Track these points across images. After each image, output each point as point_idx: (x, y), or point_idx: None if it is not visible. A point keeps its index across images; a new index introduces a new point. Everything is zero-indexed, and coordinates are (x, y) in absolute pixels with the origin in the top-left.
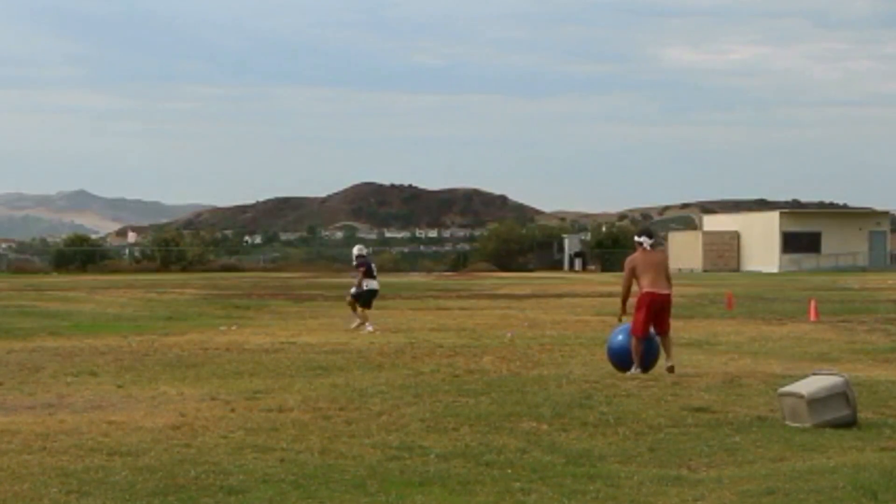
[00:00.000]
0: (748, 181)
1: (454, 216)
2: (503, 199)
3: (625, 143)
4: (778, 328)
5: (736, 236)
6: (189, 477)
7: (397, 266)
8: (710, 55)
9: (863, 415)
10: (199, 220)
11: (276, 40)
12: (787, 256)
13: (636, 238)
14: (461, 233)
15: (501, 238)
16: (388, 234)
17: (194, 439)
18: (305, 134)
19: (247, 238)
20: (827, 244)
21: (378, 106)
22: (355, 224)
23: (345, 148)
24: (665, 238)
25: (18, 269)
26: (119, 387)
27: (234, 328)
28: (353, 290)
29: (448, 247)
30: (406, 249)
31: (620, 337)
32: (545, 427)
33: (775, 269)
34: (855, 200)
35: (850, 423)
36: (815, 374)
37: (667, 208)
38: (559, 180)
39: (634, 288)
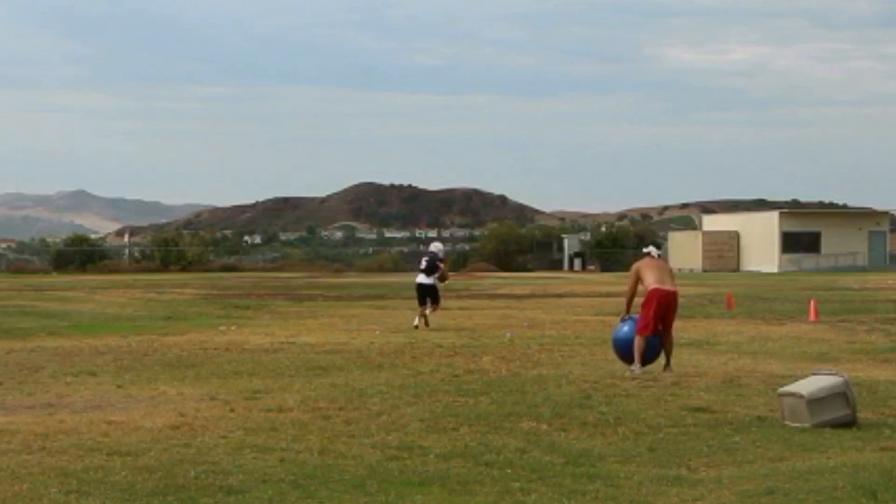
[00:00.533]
0: (748, 181)
1: (454, 216)
2: (503, 199)
3: (625, 143)
4: (777, 328)
5: (736, 236)
6: (188, 477)
7: (397, 266)
8: (710, 55)
9: (862, 415)
10: (198, 220)
11: (276, 40)
12: (787, 256)
13: (644, 249)
14: (461, 233)
15: (501, 238)
16: (387, 234)
17: (194, 439)
18: (305, 134)
19: (246, 238)
20: (826, 244)
21: (378, 106)
22: (355, 224)
23: (345, 148)
24: (665, 238)
25: (18, 268)
26: (119, 387)
27: (233, 328)
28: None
29: (448, 247)
30: (406, 249)
31: (626, 328)
32: (545, 427)
33: (775, 269)
34: (855, 200)
35: (849, 423)
36: (814, 374)
37: (667, 208)
38: (559, 180)
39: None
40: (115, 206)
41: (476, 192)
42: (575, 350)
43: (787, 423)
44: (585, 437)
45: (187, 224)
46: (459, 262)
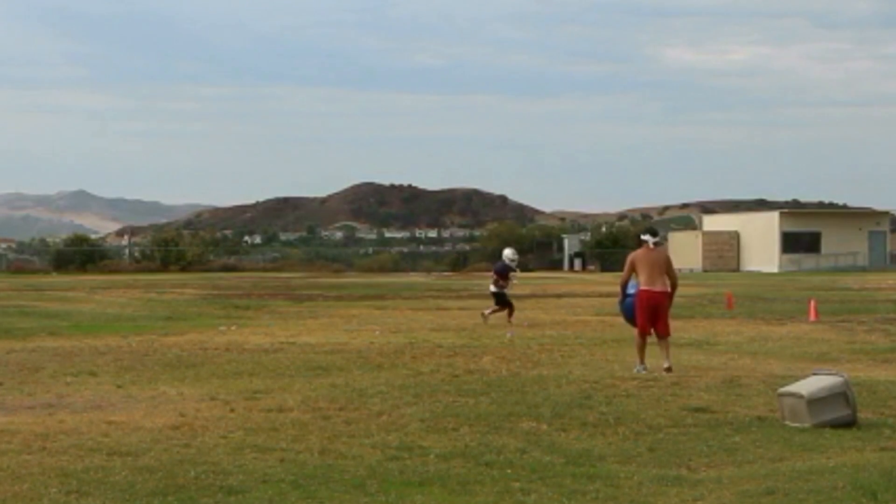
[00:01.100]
0: (748, 181)
1: (454, 216)
2: (503, 199)
3: (625, 143)
4: (778, 328)
5: (736, 236)
6: (189, 477)
7: (397, 266)
8: (710, 55)
9: (862, 415)
10: (198, 220)
11: (276, 40)
12: (787, 256)
13: (641, 236)
14: (461, 233)
15: (501, 238)
16: (387, 234)
17: (194, 439)
18: (305, 134)
19: (246, 238)
20: (827, 244)
21: (378, 106)
22: (355, 224)
23: (345, 148)
24: (665, 238)
25: (18, 269)
26: (119, 387)
27: (233, 328)
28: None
29: (448, 247)
30: (406, 249)
31: (631, 291)
32: (545, 427)
33: (775, 269)
34: (855, 200)
35: (849, 423)
36: (814, 374)
37: (667, 208)
38: (559, 180)
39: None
40: (115, 206)
41: (476, 192)
42: (575, 350)
43: (787, 423)
44: (585, 437)
45: (187, 224)
46: (459, 262)
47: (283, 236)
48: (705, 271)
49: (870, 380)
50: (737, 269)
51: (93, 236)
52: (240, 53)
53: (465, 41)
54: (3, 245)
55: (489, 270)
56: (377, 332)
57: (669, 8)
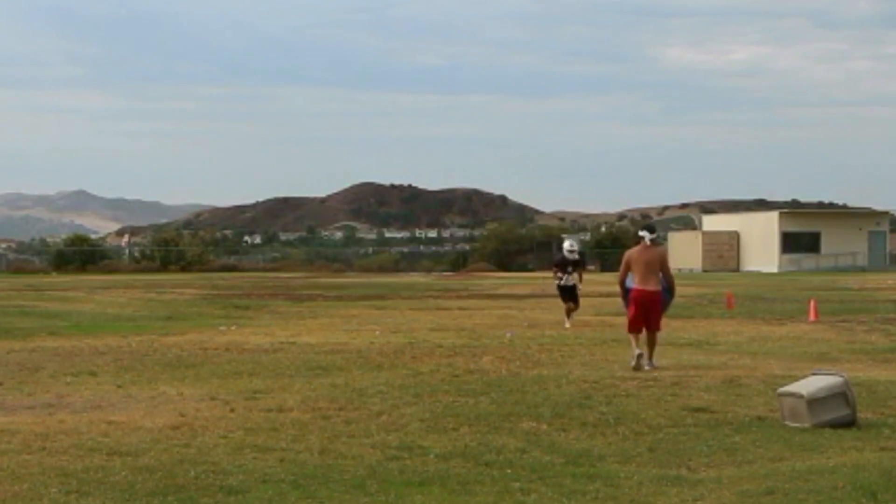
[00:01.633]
0: (748, 181)
1: (454, 216)
2: (503, 199)
3: (625, 143)
4: (777, 328)
5: (735, 236)
6: (188, 477)
7: (397, 266)
8: (710, 55)
9: (862, 415)
10: (198, 220)
11: (276, 40)
12: (787, 256)
13: (639, 232)
14: (461, 233)
15: (501, 238)
16: (387, 234)
17: (194, 439)
18: (305, 134)
19: (246, 238)
20: (826, 244)
21: (378, 106)
22: (355, 224)
23: (345, 148)
24: (665, 238)
25: (18, 269)
26: (119, 387)
27: (233, 328)
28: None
29: (448, 247)
30: (406, 249)
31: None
32: (545, 427)
33: (775, 270)
34: (854, 200)
35: (849, 423)
36: (814, 374)
37: (666, 208)
38: (559, 180)
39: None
40: (115, 206)
41: (476, 192)
42: (575, 350)
43: (787, 423)
44: (585, 437)
45: (187, 224)
46: (459, 262)
47: (282, 236)
48: (705, 271)
49: (870, 380)
50: (737, 270)
51: (93, 236)
52: (240, 53)
53: (465, 41)
54: (3, 245)
55: (489, 271)
56: (377, 332)
57: (669, 8)
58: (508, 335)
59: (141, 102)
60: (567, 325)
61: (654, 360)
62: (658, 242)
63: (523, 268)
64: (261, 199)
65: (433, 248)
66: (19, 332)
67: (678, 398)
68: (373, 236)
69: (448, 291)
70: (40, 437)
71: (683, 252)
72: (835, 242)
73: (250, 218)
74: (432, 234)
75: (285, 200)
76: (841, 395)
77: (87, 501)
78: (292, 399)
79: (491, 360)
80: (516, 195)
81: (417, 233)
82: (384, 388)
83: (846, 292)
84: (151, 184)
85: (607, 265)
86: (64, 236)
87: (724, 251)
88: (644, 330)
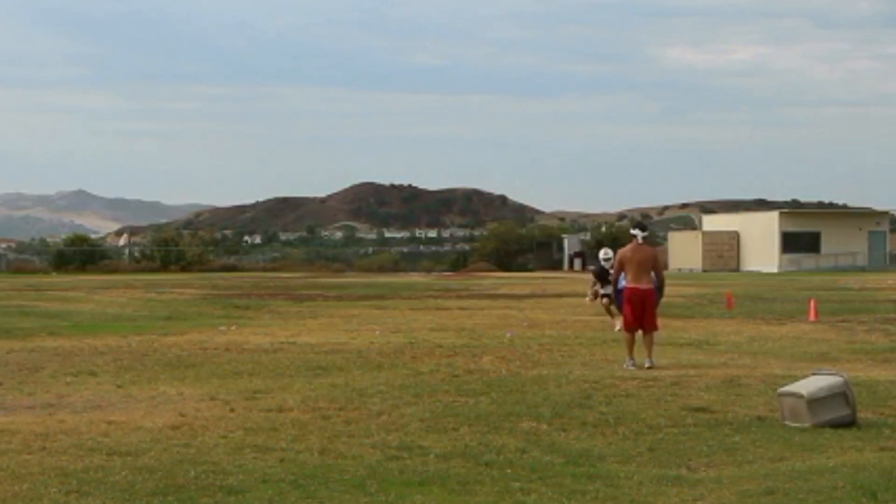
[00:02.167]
0: (748, 181)
1: (454, 216)
2: (503, 199)
3: (625, 143)
4: (778, 328)
5: (735, 236)
6: (188, 477)
7: (397, 266)
8: (710, 55)
9: (862, 415)
10: (198, 220)
11: (277, 40)
12: (787, 256)
13: (631, 230)
14: (461, 233)
15: (501, 238)
16: (387, 234)
17: (194, 439)
18: (305, 134)
19: (246, 238)
20: (826, 244)
21: (378, 106)
22: (355, 224)
23: (345, 148)
24: (665, 238)
25: (18, 269)
26: (119, 387)
27: (233, 328)
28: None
29: (448, 247)
30: (406, 249)
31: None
32: (545, 427)
33: (775, 269)
34: (855, 200)
35: (849, 423)
36: (814, 374)
37: (666, 208)
38: (559, 180)
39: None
40: (115, 206)
41: (476, 192)
42: (575, 350)
43: (787, 423)
44: (585, 437)
45: (187, 224)
46: (459, 262)
47: (282, 236)
48: (705, 271)
49: (869, 380)
50: (737, 269)
51: (93, 236)
52: (240, 53)
53: (465, 41)
54: (3, 245)
55: (489, 271)
56: (377, 332)
57: (670, 8)
58: (508, 335)
59: (141, 102)
60: (617, 327)
61: (654, 359)
62: (648, 239)
63: (523, 268)
64: (261, 199)
65: (433, 248)
66: (19, 332)
67: (678, 398)
68: (373, 236)
69: (448, 291)
70: (40, 437)
71: (683, 252)
72: (835, 242)
73: (250, 218)
74: (432, 234)
75: (285, 200)
76: (841, 395)
77: (87, 501)
78: (292, 399)
79: (491, 360)
80: (516, 195)
81: (417, 233)
82: (384, 388)
83: (846, 292)
84: (151, 184)
85: None
86: (64, 236)
87: (724, 251)
88: (640, 331)
